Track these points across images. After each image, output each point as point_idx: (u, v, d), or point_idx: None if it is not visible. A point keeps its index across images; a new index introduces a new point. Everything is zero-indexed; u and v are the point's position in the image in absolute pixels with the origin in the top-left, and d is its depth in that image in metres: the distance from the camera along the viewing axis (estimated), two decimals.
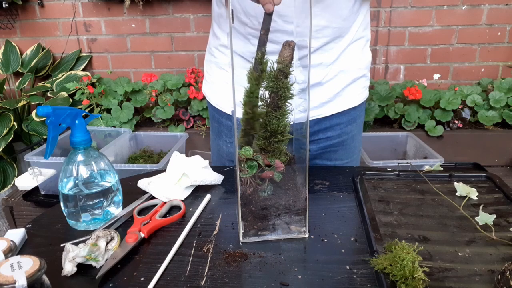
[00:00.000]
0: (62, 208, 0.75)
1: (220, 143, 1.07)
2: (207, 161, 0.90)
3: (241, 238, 0.69)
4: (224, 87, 0.99)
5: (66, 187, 0.74)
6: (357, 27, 0.92)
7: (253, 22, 0.85)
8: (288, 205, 0.69)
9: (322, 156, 1.03)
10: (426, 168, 0.88)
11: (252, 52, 0.89)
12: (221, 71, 0.98)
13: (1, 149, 2.01)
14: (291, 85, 0.65)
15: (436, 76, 2.27)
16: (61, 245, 0.66)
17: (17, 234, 0.70)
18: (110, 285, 0.60)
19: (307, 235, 0.70)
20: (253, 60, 0.65)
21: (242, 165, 0.66)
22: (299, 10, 0.81)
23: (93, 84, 2.26)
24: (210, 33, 1.02)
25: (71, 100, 2.15)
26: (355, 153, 1.08)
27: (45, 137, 2.13)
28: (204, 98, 2.14)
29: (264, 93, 0.66)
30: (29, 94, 2.24)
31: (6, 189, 2.11)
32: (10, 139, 2.02)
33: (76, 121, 0.72)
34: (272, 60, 0.64)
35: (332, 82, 0.94)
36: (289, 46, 0.64)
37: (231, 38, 0.59)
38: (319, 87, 0.93)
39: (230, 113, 0.99)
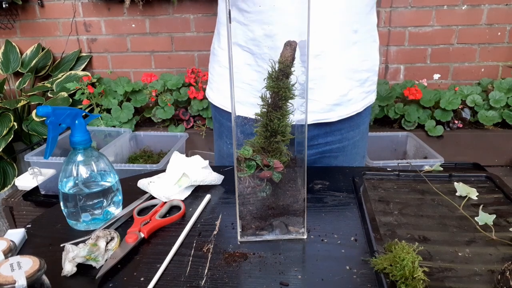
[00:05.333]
0: (62, 208, 0.75)
1: (221, 144, 1.06)
2: (207, 161, 0.90)
3: (239, 237, 0.69)
4: (226, 85, 0.97)
5: (66, 187, 0.74)
6: (367, 25, 0.90)
7: (250, 6, 0.83)
8: (287, 205, 0.69)
9: (322, 161, 1.01)
10: (426, 168, 0.87)
11: (253, 39, 0.88)
12: (223, 69, 0.97)
13: (1, 149, 2.01)
14: (293, 85, 0.65)
15: (436, 76, 2.27)
16: (61, 245, 0.66)
17: (17, 234, 0.70)
18: (110, 285, 0.60)
19: (305, 236, 0.70)
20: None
21: (241, 165, 0.66)
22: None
23: (93, 84, 2.26)
24: (215, 33, 1.01)
25: (71, 100, 2.16)
26: (357, 160, 1.05)
27: (45, 137, 2.13)
28: (204, 98, 2.14)
29: (265, 93, 0.66)
30: (29, 94, 2.24)
31: (6, 189, 2.11)
32: (10, 139, 2.02)
33: (76, 121, 0.72)
34: (273, 60, 0.64)
35: (336, 84, 0.91)
36: (290, 46, 0.63)
37: (229, 40, 0.59)
38: (321, 89, 0.90)
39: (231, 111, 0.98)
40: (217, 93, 1.02)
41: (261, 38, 0.86)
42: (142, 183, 0.87)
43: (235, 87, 0.97)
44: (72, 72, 2.31)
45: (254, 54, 0.89)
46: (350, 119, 0.96)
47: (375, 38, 0.96)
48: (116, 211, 0.78)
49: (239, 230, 0.69)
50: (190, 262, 0.65)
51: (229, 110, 0.97)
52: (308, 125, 0.95)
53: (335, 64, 0.89)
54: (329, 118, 0.93)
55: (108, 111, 2.19)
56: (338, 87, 0.91)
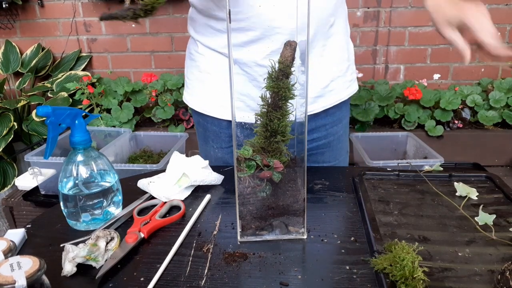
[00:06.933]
0: (62, 208, 0.75)
1: (207, 148, 1.06)
2: (207, 161, 0.90)
3: (239, 237, 0.69)
4: (208, 90, 0.98)
5: (66, 187, 0.74)
6: (341, 18, 0.93)
7: (224, 13, 0.85)
8: (287, 205, 0.69)
9: (309, 158, 1.02)
10: (426, 168, 0.87)
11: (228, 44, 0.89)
12: (203, 74, 0.97)
13: (1, 149, 2.01)
14: (292, 85, 0.65)
15: (436, 76, 2.27)
16: (61, 245, 0.66)
17: (17, 234, 0.70)
18: (110, 285, 0.60)
19: (305, 236, 0.70)
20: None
21: (241, 165, 0.66)
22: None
23: (93, 84, 2.26)
24: (190, 39, 1.02)
25: (71, 100, 2.15)
26: (342, 154, 1.08)
27: (45, 137, 2.13)
28: None
29: (265, 93, 0.66)
30: (29, 94, 2.24)
31: (6, 189, 2.11)
32: (10, 139, 2.02)
33: (76, 121, 0.72)
34: (273, 60, 0.64)
35: (317, 77, 0.93)
36: (290, 46, 0.63)
37: (229, 40, 0.59)
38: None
39: (216, 116, 0.98)
40: (198, 99, 1.01)
41: (241, 43, 0.87)
42: (142, 183, 0.87)
43: (217, 92, 0.97)
44: (72, 72, 2.31)
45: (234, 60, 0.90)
46: (333, 114, 1.00)
47: (347, 28, 1.00)
48: (116, 211, 0.78)
49: (239, 230, 0.69)
50: (190, 262, 0.65)
51: (212, 115, 0.98)
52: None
53: (315, 59, 0.91)
54: (313, 110, 0.96)
55: (108, 111, 2.18)
56: (319, 80, 0.94)
